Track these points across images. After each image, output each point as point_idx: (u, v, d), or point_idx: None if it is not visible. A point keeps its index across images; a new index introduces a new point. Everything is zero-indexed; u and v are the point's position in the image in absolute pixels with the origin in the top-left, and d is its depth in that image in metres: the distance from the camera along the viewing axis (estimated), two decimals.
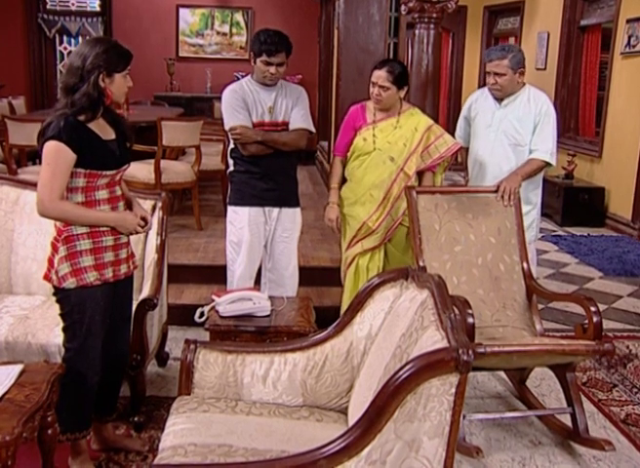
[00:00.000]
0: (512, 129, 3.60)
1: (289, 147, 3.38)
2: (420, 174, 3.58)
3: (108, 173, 2.40)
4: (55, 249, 2.41)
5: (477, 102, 3.80)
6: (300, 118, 3.40)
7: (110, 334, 2.57)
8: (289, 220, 3.54)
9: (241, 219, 3.47)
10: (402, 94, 3.46)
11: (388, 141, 3.48)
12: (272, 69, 3.27)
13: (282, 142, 3.35)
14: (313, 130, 3.47)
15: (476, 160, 3.75)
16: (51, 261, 2.42)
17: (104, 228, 2.41)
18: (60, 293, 2.43)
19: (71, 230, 2.38)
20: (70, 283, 2.38)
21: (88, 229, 2.38)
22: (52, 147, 2.26)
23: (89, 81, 2.28)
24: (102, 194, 2.41)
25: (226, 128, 3.38)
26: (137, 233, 2.52)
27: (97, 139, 2.36)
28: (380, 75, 3.38)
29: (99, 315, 2.45)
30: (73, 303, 2.41)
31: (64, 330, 2.48)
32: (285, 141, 3.36)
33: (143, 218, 2.53)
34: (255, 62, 3.30)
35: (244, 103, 3.34)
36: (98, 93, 2.30)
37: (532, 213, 3.71)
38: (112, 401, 2.74)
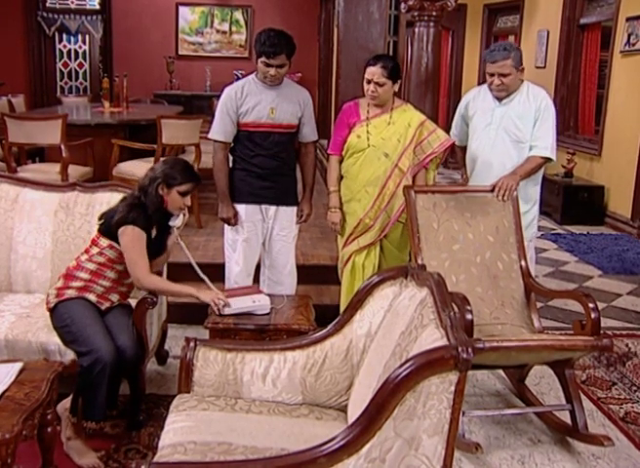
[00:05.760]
0: (513, 126, 3.58)
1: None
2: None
3: None
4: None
5: (475, 101, 3.76)
6: (311, 132, 3.57)
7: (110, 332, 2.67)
8: (286, 219, 3.55)
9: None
10: (396, 87, 3.46)
11: (382, 138, 3.48)
12: (272, 71, 3.26)
13: (313, 171, 3.62)
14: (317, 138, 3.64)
15: (477, 158, 3.72)
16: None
17: (108, 272, 2.82)
18: (51, 315, 2.78)
19: (82, 263, 2.82)
20: (53, 302, 2.77)
21: (95, 267, 2.81)
22: (133, 232, 2.73)
23: (152, 186, 2.79)
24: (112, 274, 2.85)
25: (209, 135, 3.43)
26: (215, 305, 2.89)
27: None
28: (375, 71, 3.38)
29: (85, 316, 2.71)
30: (61, 315, 2.73)
31: (69, 343, 2.71)
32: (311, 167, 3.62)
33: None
34: (256, 62, 3.31)
35: (234, 113, 3.36)
36: (158, 199, 2.80)
37: (532, 210, 3.69)
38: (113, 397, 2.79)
